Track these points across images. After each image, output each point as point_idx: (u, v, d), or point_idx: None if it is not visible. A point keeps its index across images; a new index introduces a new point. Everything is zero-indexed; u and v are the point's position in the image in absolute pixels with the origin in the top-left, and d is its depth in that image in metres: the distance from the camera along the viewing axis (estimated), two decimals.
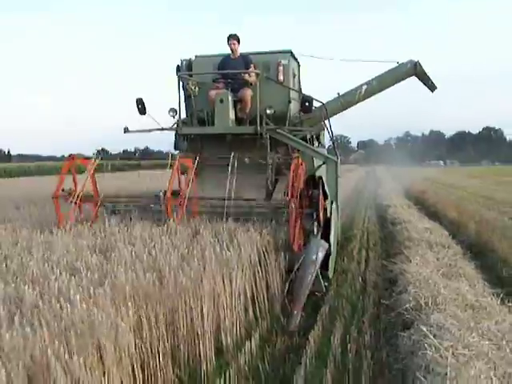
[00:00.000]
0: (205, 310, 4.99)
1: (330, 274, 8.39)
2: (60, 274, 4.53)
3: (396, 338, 5.63)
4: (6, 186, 24.99)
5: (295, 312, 6.52)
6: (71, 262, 5.07)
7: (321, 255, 7.13)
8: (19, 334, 3.28)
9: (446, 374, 3.96)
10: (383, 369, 5.21)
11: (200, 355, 4.88)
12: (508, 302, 6.45)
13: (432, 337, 4.73)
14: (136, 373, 4.04)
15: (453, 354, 4.31)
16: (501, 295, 6.68)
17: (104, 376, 3.64)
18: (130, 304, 4.16)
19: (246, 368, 5.13)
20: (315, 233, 7.97)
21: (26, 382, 3.15)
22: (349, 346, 5.85)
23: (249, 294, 6.08)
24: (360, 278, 9.08)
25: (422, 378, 4.04)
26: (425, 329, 4.98)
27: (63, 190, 8.25)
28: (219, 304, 5.34)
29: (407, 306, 6.11)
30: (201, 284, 5.05)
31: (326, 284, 7.87)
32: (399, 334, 5.51)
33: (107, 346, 3.70)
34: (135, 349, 4.08)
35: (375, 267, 9.98)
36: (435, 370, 4.08)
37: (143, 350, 4.22)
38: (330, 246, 7.87)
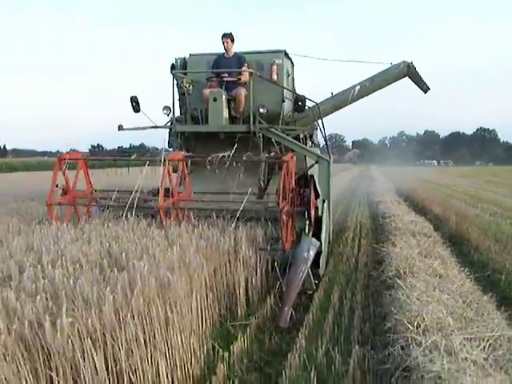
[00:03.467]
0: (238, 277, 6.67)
1: (321, 272, 8.39)
2: None
3: (381, 297, 7.28)
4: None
5: (285, 309, 6.54)
6: None
7: (312, 253, 7.16)
8: None
9: (411, 310, 5.70)
10: (370, 315, 6.88)
11: (236, 303, 6.61)
12: (469, 274, 8.18)
13: (404, 288, 6.51)
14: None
15: (418, 299, 6.05)
16: (465, 270, 8.42)
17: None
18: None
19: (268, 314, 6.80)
20: (306, 231, 8.03)
21: None
22: (344, 302, 7.52)
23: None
24: (353, 259, 10.44)
25: (396, 315, 5.76)
26: (402, 284, 6.75)
27: (57, 186, 8.27)
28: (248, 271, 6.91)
29: (390, 274, 7.80)
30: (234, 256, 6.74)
31: (317, 282, 7.95)
32: (383, 292, 7.22)
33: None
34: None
35: (366, 251, 11.29)
36: (404, 308, 5.83)
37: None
38: (321, 244, 7.85)
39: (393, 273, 7.78)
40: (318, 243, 7.61)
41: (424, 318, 5.42)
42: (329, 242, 10.07)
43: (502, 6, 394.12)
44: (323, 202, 9.22)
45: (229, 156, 8.44)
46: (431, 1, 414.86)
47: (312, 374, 4.82)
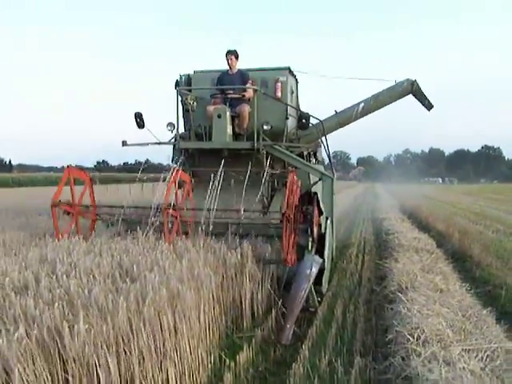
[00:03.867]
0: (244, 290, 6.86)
1: (324, 289, 8.40)
2: None
3: (383, 311, 7.48)
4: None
5: (288, 326, 6.60)
6: None
7: (314, 270, 7.15)
8: None
9: (411, 322, 5.89)
10: (372, 328, 7.09)
11: (242, 316, 6.80)
12: (470, 289, 8.36)
13: (406, 302, 6.70)
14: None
15: (419, 312, 6.24)
16: (466, 285, 8.60)
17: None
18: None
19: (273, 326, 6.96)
20: (309, 248, 8.02)
21: None
22: (347, 315, 7.70)
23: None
24: (357, 275, 10.60)
25: (397, 328, 5.95)
26: (403, 298, 6.94)
27: (60, 202, 8.23)
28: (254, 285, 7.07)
29: (392, 288, 7.99)
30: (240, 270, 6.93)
31: (320, 299, 7.95)
32: (385, 306, 7.40)
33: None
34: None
35: (369, 267, 11.47)
36: (405, 320, 6.02)
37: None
38: (323, 261, 7.87)
39: (395, 287, 7.98)
40: (321, 260, 7.64)
41: (424, 330, 5.61)
42: (332, 259, 10.12)
43: (506, 25, 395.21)
44: (326, 219, 9.27)
45: (233, 173, 8.53)
46: (436, 19, 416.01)
47: (315, 383, 5.01)
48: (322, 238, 8.70)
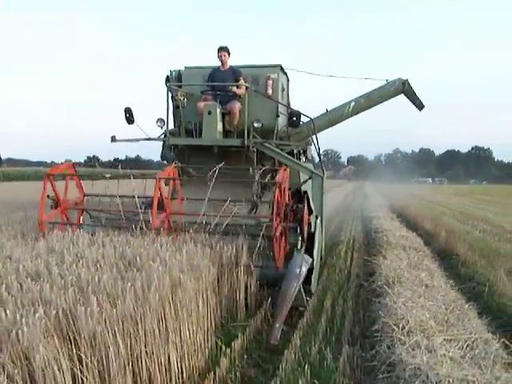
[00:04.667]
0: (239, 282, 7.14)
1: (313, 288, 8.30)
2: None
3: (370, 304, 7.84)
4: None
5: (277, 325, 6.54)
6: None
7: (304, 270, 7.08)
8: None
9: (397, 314, 6.26)
10: (360, 320, 7.43)
11: (236, 307, 7.10)
12: (455, 285, 8.75)
13: (392, 295, 7.08)
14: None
15: (404, 305, 6.61)
16: (451, 282, 8.99)
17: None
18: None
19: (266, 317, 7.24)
20: (299, 247, 8.03)
21: None
22: (336, 308, 8.05)
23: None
24: (346, 270, 10.93)
25: (384, 318, 6.31)
26: (390, 292, 7.31)
27: (48, 197, 8.11)
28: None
29: (379, 283, 8.36)
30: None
31: (308, 299, 7.85)
32: (373, 300, 7.76)
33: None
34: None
35: (358, 264, 11.81)
36: (391, 312, 6.40)
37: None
38: (313, 260, 7.84)
39: (382, 282, 8.33)
40: (311, 259, 7.60)
41: (408, 321, 6.00)
42: (321, 258, 10.18)
43: (497, 26, 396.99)
44: (316, 217, 9.28)
45: (221, 169, 8.42)
46: (427, 20, 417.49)
47: (306, 369, 5.35)
48: (311, 236, 8.64)
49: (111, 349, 4.04)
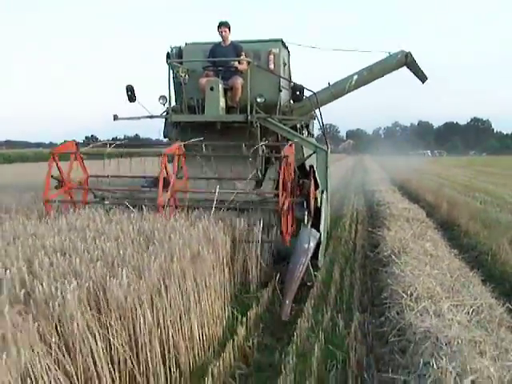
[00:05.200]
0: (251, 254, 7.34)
1: (320, 263, 8.34)
2: None
3: (377, 274, 8.09)
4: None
5: (287, 301, 6.56)
6: None
7: (312, 245, 7.11)
8: None
9: (404, 282, 6.52)
10: (368, 289, 7.69)
11: (249, 280, 7.34)
12: (459, 254, 9.02)
13: (399, 264, 7.34)
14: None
15: (411, 273, 6.86)
16: (455, 251, 9.25)
17: None
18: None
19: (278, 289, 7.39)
20: (306, 222, 7.99)
21: None
22: (344, 278, 8.31)
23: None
24: (351, 242, 11.23)
25: (392, 286, 6.57)
26: (396, 261, 7.57)
27: (52, 177, 8.20)
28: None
29: (385, 253, 8.59)
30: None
31: (316, 273, 7.89)
32: (379, 269, 8.02)
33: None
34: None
35: (362, 235, 12.14)
36: (399, 280, 6.64)
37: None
38: (320, 235, 7.85)
39: (388, 252, 8.54)
40: (318, 234, 7.65)
41: (416, 288, 6.21)
42: (327, 233, 10.22)
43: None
44: (322, 192, 9.33)
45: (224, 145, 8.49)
46: None
47: (320, 335, 5.62)
48: (317, 211, 8.72)
49: (140, 318, 4.30)
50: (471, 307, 5.83)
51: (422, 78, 11.84)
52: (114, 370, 4.13)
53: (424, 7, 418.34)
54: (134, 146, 8.97)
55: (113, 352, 4.14)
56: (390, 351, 5.13)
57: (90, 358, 3.90)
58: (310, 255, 7.06)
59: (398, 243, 9.01)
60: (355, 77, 11.32)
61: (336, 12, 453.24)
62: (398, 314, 5.79)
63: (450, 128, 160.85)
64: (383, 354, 5.23)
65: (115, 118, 9.70)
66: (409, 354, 4.75)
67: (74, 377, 3.81)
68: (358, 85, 11.40)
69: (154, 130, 10.56)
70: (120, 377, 4.19)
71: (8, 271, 4.15)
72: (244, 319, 6.01)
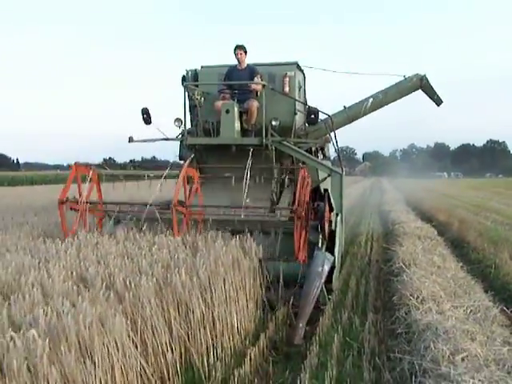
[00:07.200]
0: None
1: (334, 287, 8.35)
2: None
3: (390, 283, 9.04)
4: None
5: (300, 324, 6.61)
6: None
7: (326, 268, 7.14)
8: None
9: (412, 287, 7.50)
10: (381, 296, 8.73)
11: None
12: (464, 266, 9.95)
13: (409, 273, 8.34)
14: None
15: (418, 280, 7.84)
16: (461, 264, 10.17)
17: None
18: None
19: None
20: (320, 245, 7.89)
21: None
22: (360, 287, 9.29)
23: None
24: (366, 257, 12.22)
25: (401, 290, 7.55)
26: (406, 270, 8.57)
27: (67, 199, 8.25)
28: None
29: (397, 265, 9.56)
30: None
31: (330, 297, 7.93)
32: (391, 279, 8.98)
33: None
34: None
35: (377, 252, 13.08)
36: (407, 285, 7.64)
37: None
38: (334, 258, 7.87)
39: (399, 264, 9.50)
40: (332, 258, 7.68)
41: (422, 292, 7.22)
42: (342, 256, 10.27)
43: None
44: (336, 215, 9.22)
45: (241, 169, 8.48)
46: (443, 13, 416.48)
47: (339, 330, 6.61)
48: (332, 234, 8.66)
49: (193, 310, 5.41)
50: (469, 308, 6.78)
51: (438, 101, 11.96)
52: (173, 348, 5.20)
53: (439, 24, 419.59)
54: (150, 168, 9.40)
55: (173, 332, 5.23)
56: (399, 343, 6.09)
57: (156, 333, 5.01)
58: (324, 278, 7.15)
59: (408, 256, 10.00)
60: (370, 100, 11.41)
61: (352, 32, 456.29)
62: (406, 313, 6.76)
63: (466, 150, 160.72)
64: (392, 346, 6.18)
65: (130, 140, 9.75)
66: (413, 342, 5.74)
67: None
68: (373, 108, 11.50)
69: (171, 152, 10.76)
70: (179, 350, 5.29)
71: (89, 269, 5.23)
72: (273, 317, 7.03)
